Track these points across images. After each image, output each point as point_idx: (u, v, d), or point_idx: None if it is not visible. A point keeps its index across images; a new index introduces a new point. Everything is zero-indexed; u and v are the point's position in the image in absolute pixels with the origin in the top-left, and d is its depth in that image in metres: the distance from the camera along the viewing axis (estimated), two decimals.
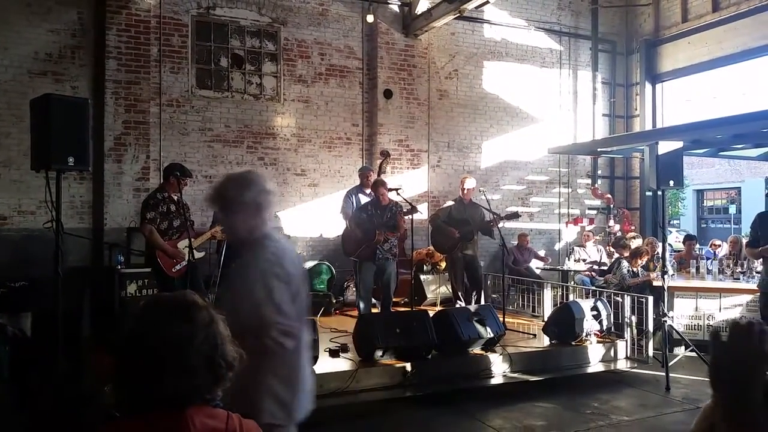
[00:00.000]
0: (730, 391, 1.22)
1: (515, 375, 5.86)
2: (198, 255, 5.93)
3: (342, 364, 5.54)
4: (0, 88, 7.82)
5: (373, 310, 7.36)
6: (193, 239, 5.86)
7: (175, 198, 6.02)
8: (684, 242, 10.40)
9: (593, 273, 9.27)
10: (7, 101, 7.82)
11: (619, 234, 10.36)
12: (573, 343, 6.37)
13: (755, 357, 1.20)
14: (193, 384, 1.43)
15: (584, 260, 9.86)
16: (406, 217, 7.23)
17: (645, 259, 8.26)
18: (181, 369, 1.41)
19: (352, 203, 7.77)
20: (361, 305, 7.21)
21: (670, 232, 18.76)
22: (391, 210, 7.13)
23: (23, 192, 7.85)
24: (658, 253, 8.90)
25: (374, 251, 6.99)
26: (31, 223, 7.79)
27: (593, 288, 7.91)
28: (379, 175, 8.72)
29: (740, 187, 25.79)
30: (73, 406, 4.38)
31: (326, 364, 5.42)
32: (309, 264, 9.19)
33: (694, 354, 6.60)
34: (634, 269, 8.10)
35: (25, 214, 7.91)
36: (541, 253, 10.60)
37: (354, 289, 8.23)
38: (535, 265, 10.18)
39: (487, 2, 8.97)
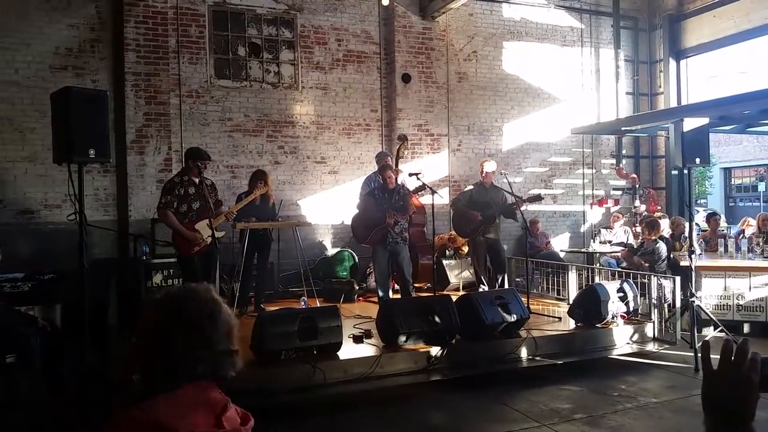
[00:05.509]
0: (718, 418, 1.18)
1: (540, 358, 5.81)
2: (218, 234, 6.02)
3: (366, 349, 5.55)
4: (23, 84, 7.93)
5: (394, 296, 7.36)
6: (213, 220, 5.96)
7: (197, 181, 6.12)
8: (708, 220, 10.10)
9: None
10: (30, 97, 7.93)
11: (645, 214, 10.16)
12: (598, 325, 6.30)
13: (744, 386, 1.15)
14: (217, 362, 1.54)
15: (610, 242, 9.71)
16: (422, 200, 7.18)
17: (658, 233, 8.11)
18: (215, 345, 1.54)
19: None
20: (380, 291, 7.22)
21: (698, 211, 18.38)
22: (399, 192, 7.11)
23: (49, 186, 7.98)
24: (684, 234, 8.73)
25: (385, 236, 6.98)
26: (58, 216, 7.91)
27: (619, 269, 7.78)
28: (396, 160, 8.68)
29: None
30: (101, 394, 4.45)
31: (350, 350, 5.44)
32: (331, 251, 9.24)
33: (723, 334, 6.47)
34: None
35: (51, 207, 8.04)
36: (557, 238, 10.53)
37: None
38: (559, 248, 10.07)
39: None
